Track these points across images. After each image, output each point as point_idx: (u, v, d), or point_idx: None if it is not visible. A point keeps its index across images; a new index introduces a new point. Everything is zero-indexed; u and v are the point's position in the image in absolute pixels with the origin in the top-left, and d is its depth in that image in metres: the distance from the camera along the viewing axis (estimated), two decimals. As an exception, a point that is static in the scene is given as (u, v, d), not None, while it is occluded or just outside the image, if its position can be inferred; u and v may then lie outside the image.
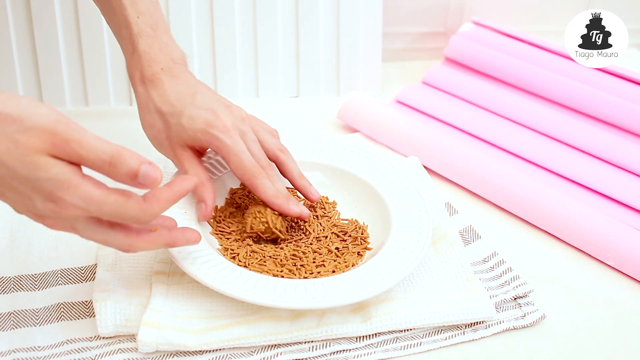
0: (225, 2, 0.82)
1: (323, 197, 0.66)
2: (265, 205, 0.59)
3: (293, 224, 0.62)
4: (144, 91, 0.59)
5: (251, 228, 0.58)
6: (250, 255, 0.57)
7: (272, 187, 0.58)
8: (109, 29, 0.79)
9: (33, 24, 0.77)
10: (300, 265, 0.57)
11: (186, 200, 0.60)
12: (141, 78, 0.59)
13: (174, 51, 0.61)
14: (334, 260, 0.58)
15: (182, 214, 0.58)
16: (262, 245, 0.59)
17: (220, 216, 0.61)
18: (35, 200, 0.43)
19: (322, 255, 0.58)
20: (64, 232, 0.60)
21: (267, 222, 0.58)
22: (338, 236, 0.61)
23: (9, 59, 0.78)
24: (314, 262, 0.57)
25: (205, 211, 0.57)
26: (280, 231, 0.59)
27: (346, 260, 0.58)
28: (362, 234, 0.62)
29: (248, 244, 0.59)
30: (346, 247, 0.60)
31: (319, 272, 0.56)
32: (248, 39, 0.84)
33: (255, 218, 0.58)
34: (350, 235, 0.61)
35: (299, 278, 0.55)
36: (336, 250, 0.59)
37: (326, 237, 0.61)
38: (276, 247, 0.59)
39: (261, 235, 0.59)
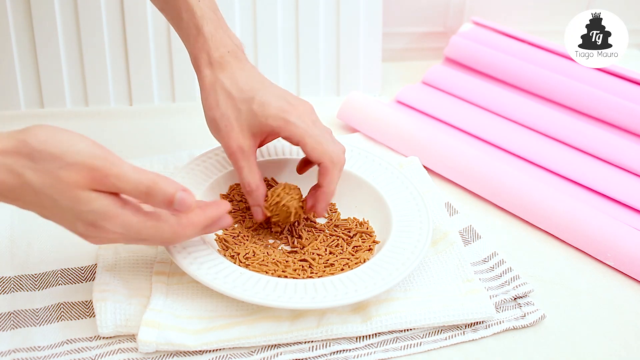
0: (225, 2, 0.82)
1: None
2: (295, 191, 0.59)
3: (290, 228, 0.62)
4: (211, 73, 0.58)
5: (283, 206, 0.58)
6: (252, 256, 0.58)
7: (334, 183, 0.58)
8: (109, 29, 0.79)
9: (33, 24, 0.77)
10: (309, 267, 0.57)
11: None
12: (208, 60, 0.58)
13: (234, 36, 0.60)
14: (347, 259, 0.58)
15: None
16: (269, 249, 0.59)
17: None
18: (78, 226, 0.46)
19: (334, 255, 0.58)
20: (63, 232, 0.61)
21: (298, 207, 0.59)
22: (341, 237, 0.61)
23: (9, 59, 0.78)
24: (325, 264, 0.58)
25: (261, 214, 0.59)
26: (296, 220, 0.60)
27: (357, 257, 0.58)
28: (366, 228, 0.62)
29: (253, 243, 0.59)
30: (355, 244, 0.60)
31: (330, 272, 0.56)
32: (248, 39, 0.84)
33: (290, 197, 0.58)
34: (355, 232, 0.62)
35: (303, 278, 0.55)
36: (342, 249, 0.59)
37: (333, 236, 0.61)
38: (282, 253, 0.59)
39: (279, 218, 0.59)
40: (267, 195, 0.59)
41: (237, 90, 0.57)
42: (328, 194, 0.58)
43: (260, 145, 0.59)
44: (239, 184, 0.65)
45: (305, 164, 0.63)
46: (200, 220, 0.50)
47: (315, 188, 0.59)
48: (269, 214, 0.59)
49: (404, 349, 0.53)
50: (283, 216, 0.59)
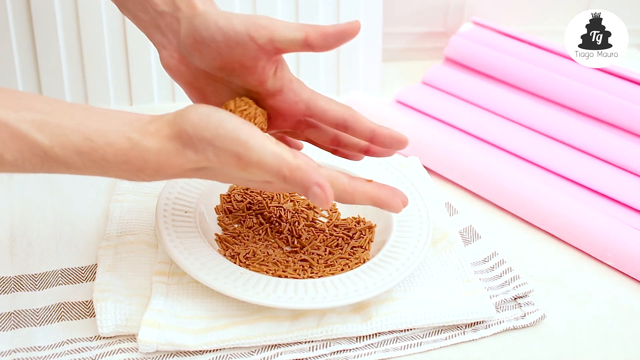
0: (225, 2, 0.82)
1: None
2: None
3: (294, 228, 0.62)
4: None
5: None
6: (252, 256, 0.58)
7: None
8: (109, 29, 0.79)
9: (33, 24, 0.77)
10: (309, 267, 0.57)
11: (188, 199, 0.60)
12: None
13: None
14: (347, 259, 0.58)
15: (182, 213, 0.58)
16: (269, 249, 0.59)
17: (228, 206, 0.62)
18: (252, 185, 0.50)
19: (334, 255, 0.59)
20: (63, 232, 0.61)
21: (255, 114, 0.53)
22: (341, 236, 0.61)
23: (9, 59, 0.78)
24: (325, 264, 0.58)
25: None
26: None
27: (357, 257, 0.58)
28: (364, 225, 0.62)
29: (253, 243, 0.59)
30: (354, 244, 0.60)
31: (330, 272, 0.56)
32: (248, 39, 0.84)
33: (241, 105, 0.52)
34: (355, 232, 0.62)
35: (303, 278, 0.55)
36: (341, 249, 0.59)
37: (333, 236, 0.61)
38: (282, 253, 0.59)
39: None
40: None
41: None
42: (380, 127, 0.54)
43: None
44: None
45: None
46: (370, 189, 0.50)
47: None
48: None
49: (404, 349, 0.53)
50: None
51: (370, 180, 0.51)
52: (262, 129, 0.52)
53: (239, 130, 0.46)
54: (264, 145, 0.46)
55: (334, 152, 0.59)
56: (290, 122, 0.56)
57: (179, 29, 0.52)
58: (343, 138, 0.57)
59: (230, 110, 0.52)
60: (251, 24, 0.50)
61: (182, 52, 0.53)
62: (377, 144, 0.55)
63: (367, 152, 0.57)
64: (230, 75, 0.52)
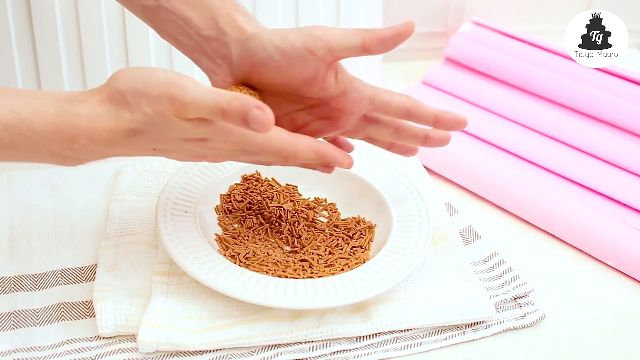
0: (225, 2, 0.82)
1: (323, 198, 0.66)
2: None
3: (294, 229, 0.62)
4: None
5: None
6: (252, 256, 0.58)
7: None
8: (109, 29, 0.79)
9: (33, 24, 0.77)
10: (309, 267, 0.57)
11: (188, 199, 0.60)
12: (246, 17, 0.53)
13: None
14: (347, 259, 0.58)
15: (182, 214, 0.58)
16: (269, 249, 0.59)
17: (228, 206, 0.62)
18: (191, 148, 0.47)
19: (334, 255, 0.59)
20: (63, 232, 0.61)
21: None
22: (341, 236, 0.61)
23: (9, 59, 0.78)
24: (325, 264, 0.58)
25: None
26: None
27: (357, 257, 0.58)
28: (364, 225, 0.62)
29: (253, 243, 0.59)
30: (354, 244, 0.60)
31: (330, 272, 0.56)
32: (248, 39, 0.84)
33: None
34: (355, 232, 0.62)
35: (303, 278, 0.55)
36: (341, 249, 0.59)
37: (333, 236, 0.61)
38: (282, 253, 0.59)
39: None
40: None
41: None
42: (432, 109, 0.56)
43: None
44: (239, 184, 0.65)
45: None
46: (313, 143, 0.49)
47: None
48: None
49: (404, 349, 0.53)
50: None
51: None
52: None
53: (171, 76, 0.44)
54: (197, 84, 0.44)
55: (391, 147, 0.59)
56: (354, 120, 0.56)
57: (229, 53, 0.52)
58: (404, 129, 0.58)
59: None
60: (307, 37, 0.50)
61: (237, 76, 0.53)
62: (440, 127, 0.56)
63: (425, 141, 0.58)
64: (292, 90, 0.52)
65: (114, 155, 0.47)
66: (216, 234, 0.60)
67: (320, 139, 0.52)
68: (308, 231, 0.62)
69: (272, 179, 0.67)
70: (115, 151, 0.47)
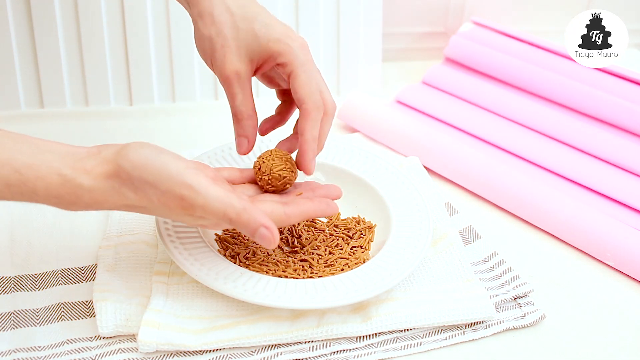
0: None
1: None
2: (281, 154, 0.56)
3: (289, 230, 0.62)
4: None
5: (271, 171, 0.54)
6: (251, 257, 0.58)
7: (317, 129, 0.54)
8: (109, 29, 0.79)
9: (33, 24, 0.77)
10: (309, 267, 0.57)
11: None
12: None
13: None
14: (347, 259, 0.58)
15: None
16: (269, 250, 0.59)
17: None
18: (189, 221, 0.48)
19: (334, 255, 0.59)
20: (63, 232, 0.61)
21: (289, 171, 0.55)
22: (341, 236, 0.61)
23: (9, 59, 0.78)
24: (325, 264, 0.58)
25: (246, 147, 0.55)
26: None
27: (357, 257, 0.58)
28: (364, 225, 0.62)
29: (253, 243, 0.59)
30: (354, 244, 0.60)
31: (330, 272, 0.56)
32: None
33: (282, 162, 0.55)
34: (355, 232, 0.62)
35: (303, 278, 0.55)
36: (341, 248, 0.59)
37: (333, 236, 0.61)
38: (282, 253, 0.59)
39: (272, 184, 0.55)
40: (257, 164, 0.55)
41: (237, 7, 0.53)
42: (312, 141, 0.53)
43: (253, 74, 0.55)
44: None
45: (285, 93, 0.60)
46: (304, 209, 0.52)
47: (298, 136, 0.55)
48: (260, 183, 0.56)
49: (404, 349, 0.53)
50: (263, 183, 0.55)
51: (300, 193, 0.55)
52: (284, 178, 0.55)
53: (183, 175, 0.45)
54: (208, 188, 0.46)
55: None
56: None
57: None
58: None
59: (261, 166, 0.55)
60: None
61: None
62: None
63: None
64: None
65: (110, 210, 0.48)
66: (216, 234, 0.60)
67: (302, 194, 0.55)
68: (308, 231, 0.62)
69: None
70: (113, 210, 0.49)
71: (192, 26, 0.81)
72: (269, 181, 0.55)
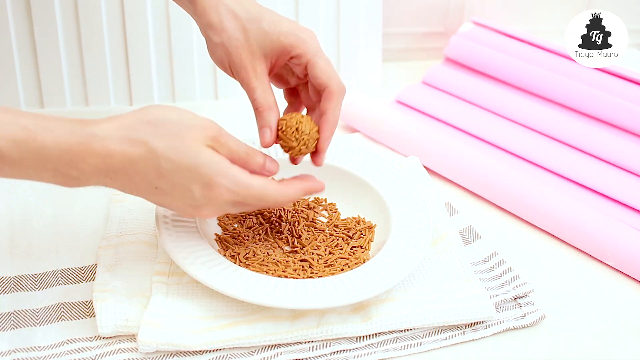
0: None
1: (323, 198, 0.66)
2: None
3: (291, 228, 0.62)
4: None
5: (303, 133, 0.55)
6: (252, 256, 0.58)
7: (339, 110, 0.56)
8: (109, 29, 0.79)
9: (33, 24, 0.77)
10: (309, 267, 0.57)
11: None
12: None
13: None
14: (346, 259, 0.58)
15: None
16: (269, 249, 0.59)
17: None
18: (194, 190, 0.48)
19: (334, 255, 0.59)
20: (63, 232, 0.61)
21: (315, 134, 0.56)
22: (341, 236, 0.61)
23: (9, 59, 0.78)
24: (325, 264, 0.58)
25: (270, 137, 0.56)
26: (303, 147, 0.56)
27: (357, 257, 0.58)
28: (364, 225, 0.62)
29: (253, 243, 0.59)
30: (354, 244, 0.60)
31: (330, 272, 0.56)
32: (248, 39, 0.84)
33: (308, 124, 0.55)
34: (355, 232, 0.62)
35: (303, 278, 0.55)
36: (341, 249, 0.59)
37: (333, 236, 0.61)
38: (282, 253, 0.59)
39: (296, 146, 0.55)
40: (280, 124, 0.56)
41: (242, 10, 0.55)
42: (333, 122, 0.56)
43: (270, 72, 0.57)
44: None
45: (292, 93, 0.61)
46: (300, 185, 0.54)
47: (319, 115, 0.57)
48: (282, 137, 0.55)
49: (404, 349, 0.53)
50: (300, 144, 0.55)
51: (282, 180, 0.55)
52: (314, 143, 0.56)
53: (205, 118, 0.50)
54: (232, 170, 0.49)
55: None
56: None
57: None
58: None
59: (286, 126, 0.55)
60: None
61: None
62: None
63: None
64: None
65: (113, 186, 0.48)
66: (216, 234, 0.60)
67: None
68: (308, 231, 0.62)
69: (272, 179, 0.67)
70: (117, 181, 0.48)
71: (193, 26, 0.81)
72: (307, 141, 0.55)
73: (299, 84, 0.60)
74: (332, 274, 0.56)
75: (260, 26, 0.55)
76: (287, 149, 0.56)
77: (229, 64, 0.56)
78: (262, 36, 0.55)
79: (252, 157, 0.51)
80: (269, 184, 0.51)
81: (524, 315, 0.56)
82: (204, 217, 0.51)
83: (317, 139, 0.56)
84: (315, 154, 0.57)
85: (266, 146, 0.56)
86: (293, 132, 0.55)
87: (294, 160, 0.58)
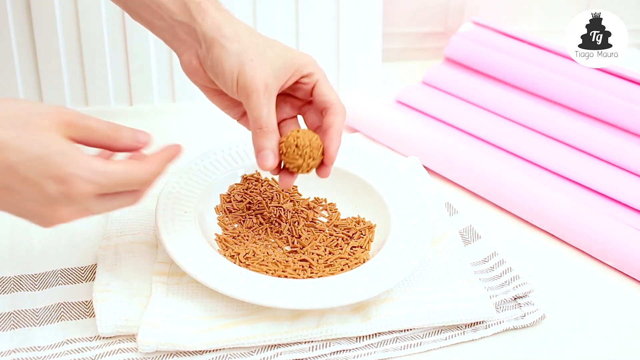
0: (225, 2, 0.81)
1: (323, 198, 0.66)
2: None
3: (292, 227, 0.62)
4: (223, 14, 0.55)
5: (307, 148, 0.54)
6: (251, 256, 0.58)
7: (342, 126, 0.56)
8: (109, 29, 0.79)
9: (33, 24, 0.77)
10: (309, 267, 0.57)
11: (188, 199, 0.60)
12: (216, 8, 0.55)
13: None
14: (346, 259, 0.58)
15: (182, 213, 0.58)
16: (269, 249, 0.59)
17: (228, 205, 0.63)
18: (46, 186, 0.43)
19: (334, 255, 0.59)
20: (63, 232, 0.61)
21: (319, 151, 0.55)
22: (341, 236, 0.61)
23: (9, 59, 0.78)
24: (325, 263, 0.58)
25: (273, 160, 0.54)
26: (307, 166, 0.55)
27: (357, 257, 0.58)
28: (364, 225, 0.62)
29: (253, 243, 0.59)
30: (354, 244, 0.60)
31: (330, 272, 0.56)
32: (248, 39, 0.84)
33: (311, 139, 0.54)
34: (355, 232, 0.62)
35: (303, 278, 0.55)
36: (341, 248, 0.59)
37: (333, 236, 0.61)
38: (282, 253, 0.59)
39: (300, 163, 0.54)
40: (280, 148, 0.55)
41: (256, 36, 0.55)
42: (340, 133, 0.55)
43: (279, 91, 0.56)
44: (239, 184, 0.65)
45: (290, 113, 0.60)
46: (161, 156, 0.49)
47: (324, 131, 0.56)
48: (286, 160, 0.54)
49: (404, 349, 0.53)
50: (306, 158, 0.54)
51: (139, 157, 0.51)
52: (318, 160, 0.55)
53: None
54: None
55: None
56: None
57: (199, 41, 0.54)
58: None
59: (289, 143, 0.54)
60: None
61: (203, 59, 0.54)
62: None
63: None
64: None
65: None
66: (216, 234, 0.60)
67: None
68: (308, 231, 0.62)
69: (272, 179, 0.67)
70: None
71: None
72: (311, 153, 0.54)
73: (294, 112, 0.59)
74: (332, 274, 0.56)
75: (273, 49, 0.55)
76: (295, 168, 0.54)
77: (237, 78, 0.53)
78: (275, 57, 0.54)
79: (120, 131, 0.47)
80: (130, 166, 0.46)
81: (524, 315, 0.56)
82: (63, 220, 0.45)
83: (322, 147, 0.55)
84: (321, 166, 0.56)
85: (269, 169, 0.54)
86: (294, 150, 0.54)
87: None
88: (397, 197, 0.63)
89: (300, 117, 0.60)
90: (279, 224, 0.62)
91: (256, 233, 0.61)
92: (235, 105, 0.58)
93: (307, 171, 0.55)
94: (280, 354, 0.52)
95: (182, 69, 0.56)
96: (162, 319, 0.51)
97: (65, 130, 0.44)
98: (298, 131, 0.55)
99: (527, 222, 0.68)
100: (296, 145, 0.54)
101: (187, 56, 0.55)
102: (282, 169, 0.56)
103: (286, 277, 0.56)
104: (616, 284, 0.62)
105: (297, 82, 0.56)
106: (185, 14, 0.54)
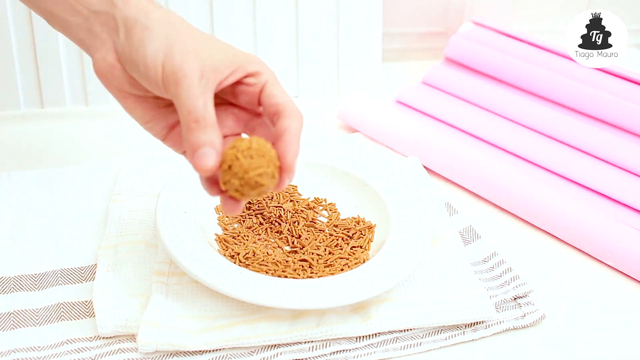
0: (224, 2, 0.81)
1: (323, 198, 0.66)
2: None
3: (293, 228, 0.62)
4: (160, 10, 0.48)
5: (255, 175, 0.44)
6: (251, 256, 0.58)
7: (300, 131, 0.47)
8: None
9: (33, 24, 0.77)
10: (309, 267, 0.57)
11: (188, 199, 0.60)
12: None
13: None
14: (346, 259, 0.58)
15: (182, 213, 0.58)
16: (269, 249, 0.59)
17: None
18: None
19: (334, 255, 0.59)
20: (63, 232, 0.61)
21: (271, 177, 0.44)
22: (341, 236, 0.61)
23: (9, 59, 0.78)
24: (325, 263, 0.58)
25: (215, 158, 0.44)
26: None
27: (357, 257, 0.58)
28: (364, 225, 0.62)
29: (253, 243, 0.59)
30: (354, 244, 0.60)
31: (330, 272, 0.56)
32: (248, 38, 0.84)
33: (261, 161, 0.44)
34: (355, 232, 0.62)
35: (303, 278, 0.55)
36: (341, 248, 0.59)
37: (332, 236, 0.61)
38: (282, 253, 0.59)
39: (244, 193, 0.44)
40: (229, 158, 0.44)
41: (195, 27, 0.48)
42: (298, 138, 0.46)
43: (216, 89, 0.46)
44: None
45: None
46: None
47: (277, 137, 0.46)
48: (223, 187, 0.44)
49: (404, 349, 0.53)
50: (249, 190, 0.44)
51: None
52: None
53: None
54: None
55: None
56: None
57: (117, 28, 0.47)
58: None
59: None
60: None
61: (120, 53, 0.47)
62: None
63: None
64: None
65: None
66: (216, 234, 0.60)
67: None
68: (308, 231, 0.62)
69: None
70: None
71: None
72: (239, 187, 0.44)
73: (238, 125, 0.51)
74: (332, 274, 0.56)
75: (211, 40, 0.47)
76: (252, 185, 0.44)
77: (163, 61, 0.44)
78: (214, 47, 0.46)
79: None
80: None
81: (524, 315, 0.56)
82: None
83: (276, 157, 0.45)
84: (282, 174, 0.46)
85: (209, 168, 0.43)
86: (224, 170, 0.44)
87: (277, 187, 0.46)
88: (397, 197, 0.63)
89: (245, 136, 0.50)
90: (279, 224, 0.62)
91: (256, 233, 0.61)
92: (161, 115, 0.49)
93: (272, 186, 0.45)
94: (280, 354, 0.52)
95: (95, 71, 0.48)
96: (162, 319, 0.51)
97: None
98: (245, 140, 0.45)
99: (527, 222, 0.68)
100: (250, 156, 0.43)
101: (101, 53, 0.47)
102: (223, 191, 0.46)
103: (286, 277, 0.56)
104: (616, 284, 0.62)
105: (240, 83, 0.47)
106: (104, 2, 0.47)
